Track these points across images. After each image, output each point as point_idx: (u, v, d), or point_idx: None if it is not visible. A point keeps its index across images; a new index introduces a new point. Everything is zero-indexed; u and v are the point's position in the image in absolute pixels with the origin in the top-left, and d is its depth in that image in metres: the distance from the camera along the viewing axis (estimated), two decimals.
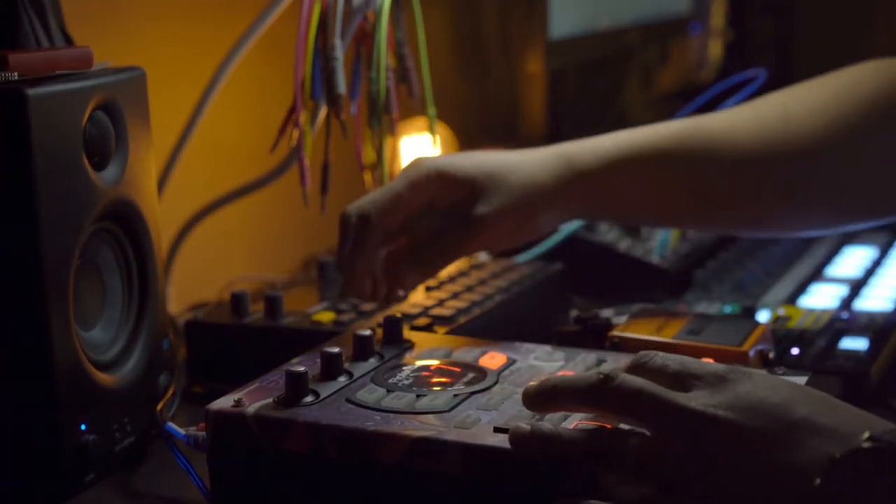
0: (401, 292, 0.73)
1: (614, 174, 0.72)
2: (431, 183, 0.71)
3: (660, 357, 0.53)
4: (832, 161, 0.71)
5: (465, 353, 0.65)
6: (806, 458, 0.47)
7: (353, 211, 0.71)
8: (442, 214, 0.73)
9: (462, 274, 0.87)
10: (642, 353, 0.53)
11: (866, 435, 0.46)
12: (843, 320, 0.80)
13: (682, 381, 0.51)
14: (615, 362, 0.64)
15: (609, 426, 0.53)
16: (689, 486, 0.49)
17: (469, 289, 0.82)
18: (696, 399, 0.49)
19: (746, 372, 0.51)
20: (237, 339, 0.78)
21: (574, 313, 0.73)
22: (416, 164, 0.72)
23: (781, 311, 0.82)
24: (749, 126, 0.73)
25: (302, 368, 0.59)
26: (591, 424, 0.55)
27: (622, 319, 0.73)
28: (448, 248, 0.72)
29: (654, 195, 0.74)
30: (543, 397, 0.54)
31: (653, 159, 0.73)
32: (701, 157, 0.72)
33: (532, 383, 0.55)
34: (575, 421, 0.56)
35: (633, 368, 0.53)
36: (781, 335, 0.77)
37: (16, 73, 0.59)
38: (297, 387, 0.59)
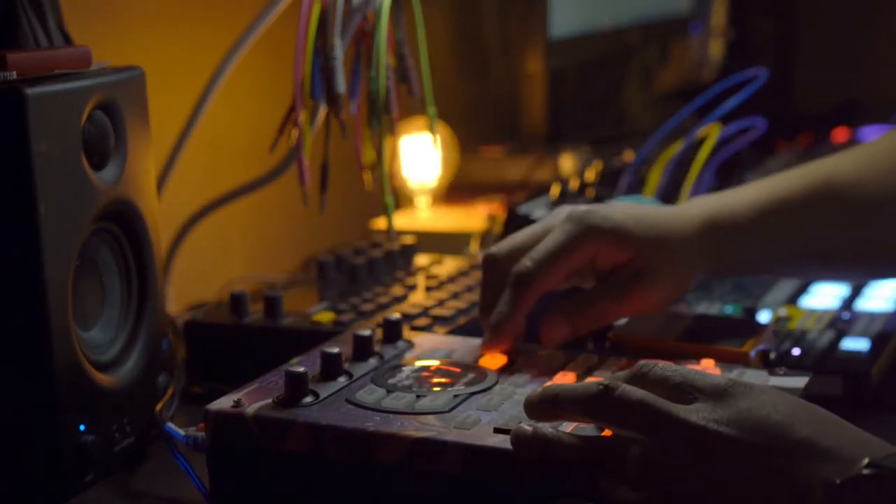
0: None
1: (761, 240, 0.71)
2: (599, 244, 0.68)
3: (660, 367, 0.53)
4: None
5: (465, 354, 0.65)
6: (806, 480, 0.47)
7: (516, 269, 0.66)
8: (598, 272, 0.70)
9: (462, 274, 0.87)
10: (643, 362, 0.53)
11: (867, 461, 0.46)
12: (845, 321, 0.80)
13: (684, 393, 0.51)
14: (609, 370, 0.64)
15: (609, 432, 0.53)
16: (687, 497, 0.49)
17: (469, 289, 0.82)
18: (697, 413, 0.50)
19: (749, 386, 0.51)
20: (237, 340, 0.78)
21: None
22: (581, 219, 0.68)
23: (782, 312, 0.82)
24: (870, 173, 0.72)
25: (301, 369, 0.59)
26: (590, 426, 0.55)
27: (623, 320, 0.73)
28: (601, 312, 0.69)
29: (796, 252, 0.72)
30: (545, 406, 0.53)
31: (794, 218, 0.71)
32: (838, 208, 0.72)
33: (534, 391, 0.55)
34: (574, 422, 0.56)
35: (634, 378, 0.53)
36: (782, 335, 0.77)
37: (15, 73, 0.58)
38: (296, 387, 0.59)
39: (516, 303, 0.66)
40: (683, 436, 0.49)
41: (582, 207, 0.69)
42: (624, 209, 0.70)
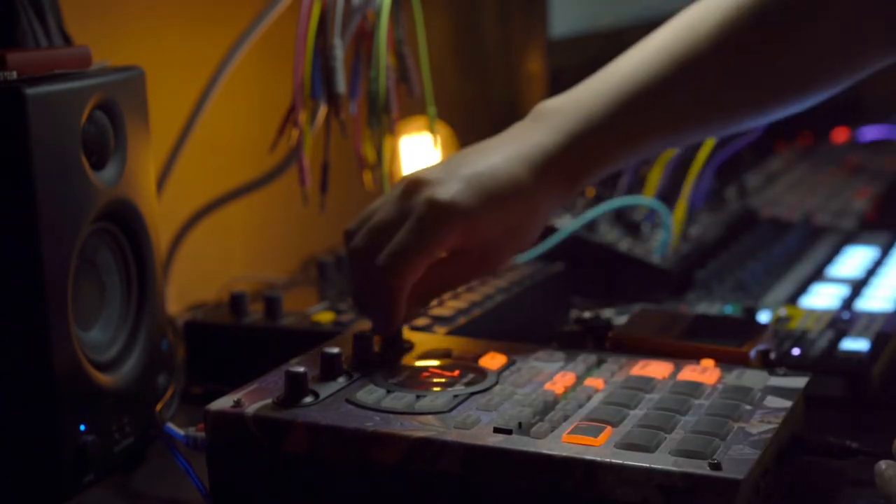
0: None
1: (626, 120, 0.70)
2: (456, 237, 0.66)
3: None
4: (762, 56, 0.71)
5: (465, 354, 0.65)
6: None
7: (383, 270, 0.65)
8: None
9: None
10: None
11: None
12: (845, 321, 0.80)
13: None
14: (609, 370, 0.64)
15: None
16: None
17: (469, 289, 0.82)
18: None
19: None
20: (236, 340, 0.78)
21: (574, 313, 0.73)
22: (430, 211, 0.65)
23: (782, 312, 0.82)
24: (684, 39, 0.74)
25: (301, 369, 0.59)
26: (592, 425, 0.55)
27: (623, 320, 0.73)
28: (453, 283, 0.71)
29: (640, 134, 0.72)
30: None
31: (672, 68, 0.71)
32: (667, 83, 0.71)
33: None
34: (574, 421, 0.56)
35: None
36: (783, 335, 0.77)
37: (14, 73, 0.58)
38: (296, 387, 0.59)
39: (389, 298, 0.65)
40: None
41: (441, 195, 0.65)
42: (476, 184, 0.67)
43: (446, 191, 0.66)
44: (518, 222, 0.68)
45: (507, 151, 0.69)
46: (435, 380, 0.62)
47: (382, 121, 0.83)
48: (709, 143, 0.98)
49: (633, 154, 0.72)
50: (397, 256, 0.65)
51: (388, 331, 0.66)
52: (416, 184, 0.67)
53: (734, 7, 0.71)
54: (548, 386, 0.60)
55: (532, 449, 0.53)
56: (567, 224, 0.92)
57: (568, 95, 0.72)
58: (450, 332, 0.74)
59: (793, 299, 0.87)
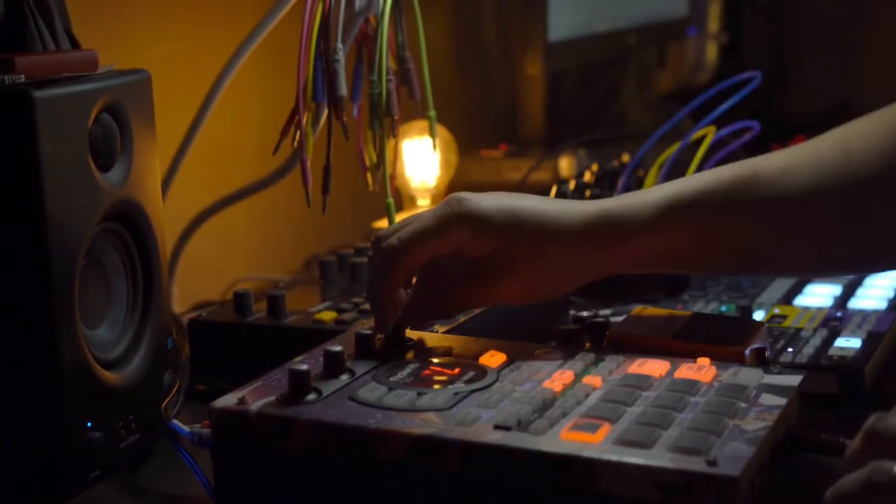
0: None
1: (662, 234, 0.66)
2: (464, 232, 0.67)
3: None
4: (888, 194, 0.66)
5: (465, 352, 0.66)
6: None
7: (383, 244, 0.67)
8: (466, 260, 0.69)
9: None
10: None
11: None
12: (838, 319, 0.81)
13: None
14: (607, 368, 0.64)
15: None
16: None
17: None
18: None
19: None
20: (240, 338, 0.78)
21: (573, 312, 0.73)
22: (453, 206, 0.67)
23: (777, 311, 0.83)
24: (808, 163, 0.67)
25: (304, 367, 0.60)
26: (590, 422, 0.55)
27: (620, 319, 0.74)
28: (462, 303, 0.70)
29: (703, 247, 0.68)
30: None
31: (702, 209, 0.66)
32: (757, 199, 0.66)
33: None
34: (573, 419, 0.57)
35: None
36: (777, 334, 0.78)
37: (22, 76, 0.59)
38: (299, 385, 0.59)
39: (385, 279, 0.67)
40: None
41: (464, 193, 0.68)
42: (507, 201, 0.68)
43: (470, 195, 0.68)
44: (537, 255, 0.67)
45: (562, 202, 0.69)
46: (436, 377, 0.62)
47: (384, 123, 0.84)
48: (705, 144, 0.99)
49: (678, 255, 0.69)
50: (401, 238, 0.67)
51: (382, 323, 0.67)
52: (455, 198, 0.69)
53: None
54: (547, 384, 0.61)
55: (531, 446, 0.54)
56: None
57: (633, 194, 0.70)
58: (450, 331, 0.74)
59: (787, 298, 0.88)
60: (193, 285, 0.99)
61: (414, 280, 0.70)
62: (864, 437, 0.50)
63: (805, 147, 0.69)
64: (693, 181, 0.68)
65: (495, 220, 0.67)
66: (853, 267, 0.72)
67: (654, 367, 0.63)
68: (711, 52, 2.01)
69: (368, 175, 0.87)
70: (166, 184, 0.89)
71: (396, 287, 0.67)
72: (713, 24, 2.00)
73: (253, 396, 0.59)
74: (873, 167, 0.66)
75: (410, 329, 0.69)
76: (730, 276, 0.89)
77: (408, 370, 0.63)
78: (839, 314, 0.82)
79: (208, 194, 0.97)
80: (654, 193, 0.68)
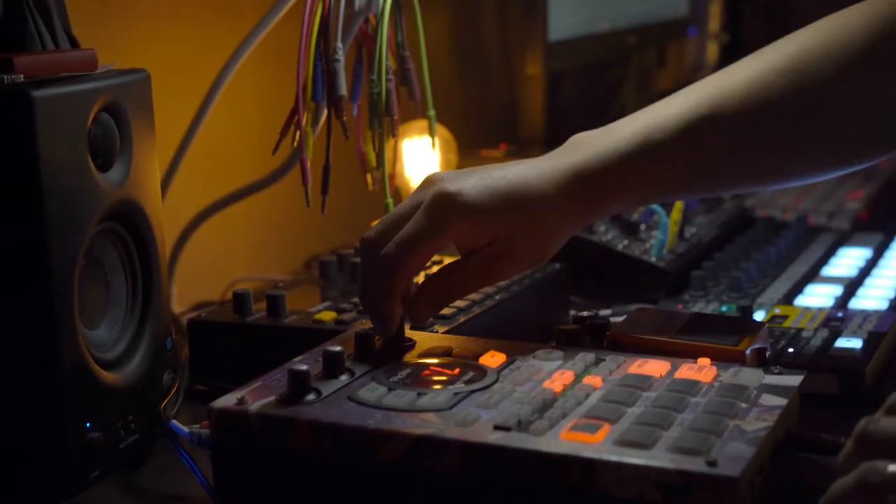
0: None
1: (635, 173, 0.69)
2: (462, 229, 0.67)
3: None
4: (837, 105, 0.70)
5: (465, 352, 0.66)
6: None
7: (382, 255, 0.66)
8: (462, 249, 0.69)
9: None
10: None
11: None
12: (839, 319, 0.80)
13: None
14: (607, 368, 0.64)
15: None
16: None
17: None
18: None
19: None
20: (240, 338, 0.78)
21: (573, 313, 0.73)
22: (441, 201, 0.67)
23: (777, 311, 0.83)
24: (760, 101, 0.71)
25: (304, 367, 0.60)
26: (590, 422, 0.55)
27: (620, 319, 0.74)
28: (466, 288, 0.70)
29: (686, 174, 0.71)
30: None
31: (683, 137, 0.70)
32: (725, 141, 0.70)
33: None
34: (573, 419, 0.57)
35: (891, 411, 0.50)
36: (777, 334, 0.78)
37: (21, 76, 0.59)
38: (299, 385, 0.59)
39: (387, 289, 0.66)
40: None
41: (449, 187, 0.67)
42: (491, 185, 0.68)
43: (454, 184, 0.67)
44: (533, 230, 0.68)
45: (533, 164, 0.70)
46: (435, 378, 0.62)
47: (383, 123, 0.84)
48: None
49: (655, 194, 0.73)
50: (399, 245, 0.66)
51: (387, 330, 0.67)
52: (430, 180, 0.68)
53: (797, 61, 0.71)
54: (547, 384, 0.61)
55: (531, 446, 0.54)
56: None
57: (602, 128, 0.72)
58: (450, 331, 0.75)
59: (788, 299, 0.88)
60: (193, 285, 0.99)
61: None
62: (855, 441, 0.50)
63: (756, 76, 0.71)
64: (655, 133, 0.70)
65: (491, 208, 0.67)
66: (803, 174, 0.75)
67: (655, 368, 0.63)
68: (712, 51, 2.01)
69: (368, 175, 0.87)
70: (166, 183, 0.89)
71: (399, 296, 0.67)
72: (713, 24, 2.00)
73: (252, 397, 0.59)
74: (821, 86, 0.70)
75: (414, 327, 0.69)
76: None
77: (407, 370, 0.63)
78: (840, 314, 0.82)
79: (208, 194, 0.97)
80: (625, 140, 0.70)
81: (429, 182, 0.68)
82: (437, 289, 0.69)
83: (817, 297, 0.88)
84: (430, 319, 0.74)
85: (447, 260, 0.75)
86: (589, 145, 0.71)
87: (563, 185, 0.69)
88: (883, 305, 0.85)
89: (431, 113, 0.90)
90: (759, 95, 0.70)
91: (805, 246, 1.05)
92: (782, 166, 0.72)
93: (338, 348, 0.62)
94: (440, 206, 0.66)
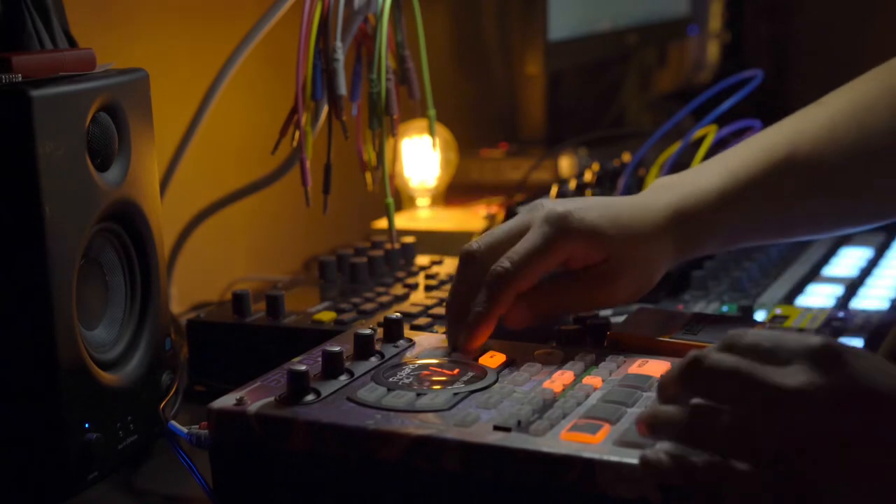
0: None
1: (725, 222, 0.73)
2: (575, 246, 0.68)
3: (751, 334, 0.52)
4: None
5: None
6: None
7: (495, 269, 0.67)
8: (570, 268, 0.70)
9: None
10: (733, 331, 0.53)
11: None
12: (840, 319, 0.80)
13: (776, 356, 0.50)
14: (607, 369, 0.64)
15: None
16: (787, 464, 0.48)
17: None
18: (792, 376, 0.48)
19: (847, 350, 0.49)
20: (239, 339, 0.78)
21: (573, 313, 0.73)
22: (557, 222, 0.68)
23: (778, 311, 0.83)
24: (828, 141, 0.75)
25: (303, 367, 0.60)
26: (590, 423, 0.55)
27: (620, 319, 0.74)
28: (568, 305, 0.71)
29: (766, 221, 0.75)
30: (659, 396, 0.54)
31: (759, 195, 0.73)
32: (794, 184, 0.74)
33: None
34: (573, 419, 0.56)
35: (725, 348, 0.52)
36: None
37: (19, 75, 0.59)
38: (298, 385, 0.59)
39: (493, 302, 0.66)
40: (777, 399, 0.48)
41: (559, 208, 0.69)
42: (599, 208, 0.70)
43: (564, 206, 0.69)
44: (640, 257, 0.70)
45: (630, 199, 0.73)
46: (435, 378, 0.62)
47: (383, 122, 0.84)
48: (706, 143, 0.99)
49: (747, 231, 0.75)
50: (513, 260, 0.67)
51: (469, 345, 0.66)
52: (537, 204, 0.70)
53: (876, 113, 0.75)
54: (547, 384, 0.61)
55: (531, 447, 0.53)
56: None
57: (685, 172, 0.76)
58: None
59: (789, 299, 0.88)
60: (192, 285, 0.99)
61: None
62: (681, 368, 0.52)
63: (822, 122, 0.75)
64: (741, 170, 0.74)
65: (605, 228, 0.69)
66: (876, 221, 0.80)
67: (655, 368, 0.63)
68: (712, 50, 2.01)
69: (368, 174, 0.86)
70: (164, 183, 0.89)
71: (503, 310, 0.67)
72: (714, 23, 2.00)
73: (251, 397, 0.59)
74: (886, 139, 0.74)
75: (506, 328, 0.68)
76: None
77: (407, 371, 0.63)
78: (841, 314, 0.81)
79: (207, 194, 0.97)
80: (716, 176, 0.73)
81: (536, 206, 0.70)
82: (540, 295, 0.69)
83: (818, 297, 0.88)
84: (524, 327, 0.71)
85: None
86: (680, 185, 0.74)
87: (664, 219, 0.71)
88: (884, 305, 0.85)
89: (431, 112, 0.89)
90: (826, 140, 0.74)
91: (806, 246, 1.05)
92: (854, 211, 0.76)
93: (337, 349, 0.62)
94: (554, 223, 0.68)
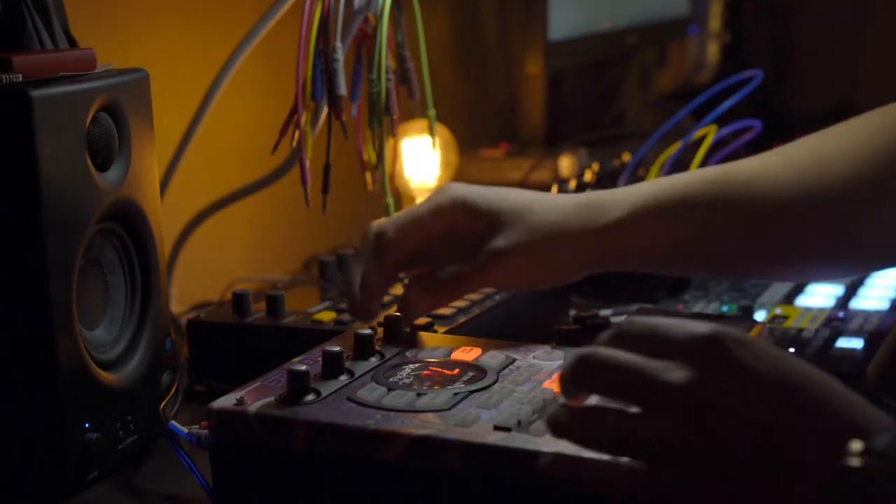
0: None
1: (640, 225, 0.69)
2: (455, 211, 0.70)
3: (638, 324, 0.51)
4: (865, 206, 0.68)
5: (464, 352, 0.66)
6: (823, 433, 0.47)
7: (373, 229, 0.70)
8: (462, 246, 0.71)
9: None
10: (625, 320, 0.53)
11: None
12: (840, 319, 0.80)
13: (662, 349, 0.50)
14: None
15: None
16: (673, 458, 0.48)
17: None
18: (675, 371, 0.48)
19: (733, 339, 0.49)
20: (239, 339, 0.78)
21: (573, 313, 0.73)
22: (444, 189, 0.71)
23: (778, 311, 0.83)
24: (781, 169, 0.69)
25: (303, 367, 0.60)
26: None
27: (620, 319, 0.74)
28: (459, 280, 0.70)
29: (682, 245, 0.70)
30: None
31: (681, 208, 0.69)
32: (733, 203, 0.69)
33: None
34: None
35: (615, 339, 0.52)
36: (778, 334, 0.78)
37: (20, 75, 0.59)
38: (298, 385, 0.59)
39: (375, 260, 0.69)
40: (659, 396, 0.48)
41: (461, 186, 0.71)
42: (502, 189, 0.71)
43: (468, 187, 0.70)
44: (535, 241, 0.69)
45: (548, 197, 0.72)
46: (435, 378, 0.62)
47: (383, 122, 0.84)
48: (706, 143, 0.99)
49: (660, 257, 0.71)
50: (392, 223, 0.69)
51: (367, 315, 0.68)
52: (444, 185, 0.72)
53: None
54: (547, 384, 0.61)
55: (531, 447, 0.53)
56: None
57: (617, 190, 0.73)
58: (450, 331, 0.74)
59: (789, 299, 0.88)
60: (192, 285, 0.99)
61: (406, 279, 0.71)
62: (572, 364, 0.51)
63: (778, 153, 0.71)
64: (669, 183, 0.70)
65: (487, 195, 0.70)
66: (823, 272, 0.74)
67: None
68: (713, 50, 2.01)
69: (367, 174, 0.86)
70: (165, 183, 0.89)
71: (388, 271, 0.69)
72: (714, 23, 2.00)
73: (252, 397, 0.59)
74: (844, 175, 0.67)
75: (410, 320, 0.70)
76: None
77: (407, 371, 0.63)
78: (841, 314, 0.81)
79: (207, 194, 0.97)
80: (636, 189, 0.71)
81: (444, 188, 0.71)
82: (436, 280, 0.70)
83: (818, 297, 0.88)
84: (426, 318, 0.75)
85: None
86: (601, 194, 0.72)
87: (570, 212, 0.70)
88: (884, 305, 0.85)
89: (431, 112, 0.89)
90: (784, 181, 0.68)
91: None
92: (790, 259, 0.70)
93: (337, 349, 0.62)
94: (443, 190, 0.70)
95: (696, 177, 0.71)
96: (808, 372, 0.49)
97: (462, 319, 0.77)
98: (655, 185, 0.71)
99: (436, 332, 0.74)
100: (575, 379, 0.51)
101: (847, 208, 0.68)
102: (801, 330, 0.79)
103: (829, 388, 0.49)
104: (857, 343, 0.76)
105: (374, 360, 0.64)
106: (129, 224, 0.65)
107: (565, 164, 1.39)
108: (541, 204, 0.70)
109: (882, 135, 0.68)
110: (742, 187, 0.69)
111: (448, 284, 0.70)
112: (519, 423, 0.55)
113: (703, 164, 0.98)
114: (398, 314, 0.69)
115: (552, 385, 0.61)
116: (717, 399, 0.48)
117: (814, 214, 0.68)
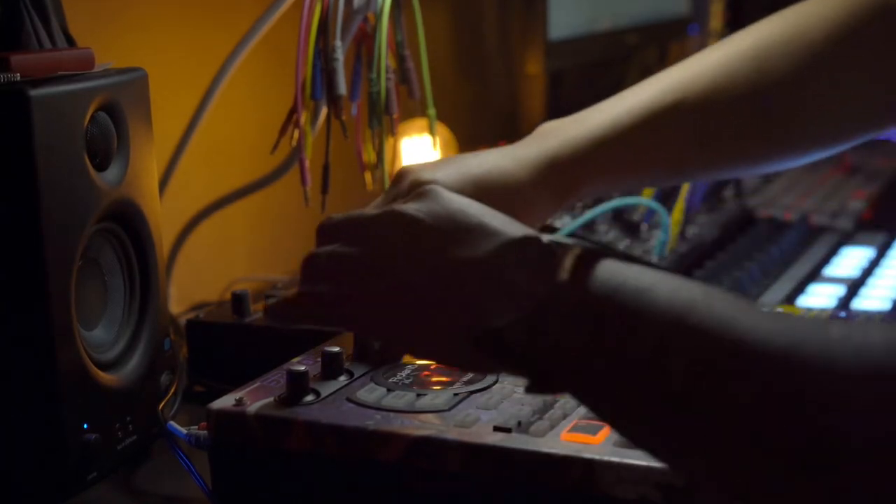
0: None
1: (602, 167, 0.71)
2: None
3: (336, 218, 0.58)
4: (806, 92, 0.71)
5: None
6: (481, 253, 0.52)
7: (322, 224, 0.66)
8: None
9: None
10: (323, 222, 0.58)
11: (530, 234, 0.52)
12: (841, 320, 0.80)
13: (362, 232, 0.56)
14: None
15: None
16: (362, 285, 0.53)
17: None
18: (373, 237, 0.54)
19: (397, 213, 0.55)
20: (238, 339, 0.78)
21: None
22: (401, 178, 0.68)
23: (779, 311, 0.83)
24: (727, 85, 0.72)
25: (303, 368, 0.60)
26: (591, 423, 0.55)
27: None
28: None
29: (652, 170, 0.73)
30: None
31: (650, 125, 0.70)
32: (692, 124, 0.71)
33: None
34: (573, 420, 0.56)
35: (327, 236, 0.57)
36: None
37: (18, 75, 0.59)
38: (297, 386, 0.59)
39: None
40: (354, 231, 0.56)
41: (425, 175, 0.66)
42: (465, 169, 0.68)
43: (431, 173, 0.66)
44: (507, 213, 0.69)
45: (506, 151, 0.71)
46: (435, 378, 0.62)
47: (383, 122, 0.84)
48: None
49: (627, 179, 0.73)
50: (341, 214, 0.64)
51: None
52: (404, 172, 0.67)
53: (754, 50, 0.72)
54: None
55: (531, 447, 0.53)
56: (566, 224, 0.93)
57: (572, 116, 0.73)
58: None
59: (790, 299, 0.88)
60: (191, 286, 0.99)
61: None
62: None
63: (720, 66, 0.73)
64: (625, 118, 0.71)
65: (461, 190, 0.65)
66: (776, 162, 0.76)
67: None
68: None
69: (367, 174, 0.86)
70: (163, 183, 0.89)
71: None
72: (715, 22, 2.00)
73: (251, 397, 0.59)
74: (787, 72, 0.71)
75: None
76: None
77: (407, 371, 0.63)
78: (843, 315, 0.81)
79: (206, 194, 0.97)
80: (596, 127, 0.71)
81: (402, 174, 0.66)
82: None
83: (820, 297, 0.88)
84: None
85: None
86: (560, 132, 0.71)
87: (537, 171, 0.69)
88: (886, 305, 0.85)
89: (432, 112, 0.89)
90: (722, 83, 0.71)
91: (807, 246, 1.05)
92: (747, 153, 0.73)
93: (337, 349, 0.62)
94: (397, 184, 0.66)
95: (649, 101, 0.71)
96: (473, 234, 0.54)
97: None
98: (615, 110, 0.71)
99: None
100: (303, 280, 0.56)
101: (786, 98, 0.71)
102: None
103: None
104: None
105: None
106: (127, 224, 0.65)
107: None
108: (499, 175, 0.69)
109: (813, 29, 0.72)
110: (692, 111, 0.71)
111: None
112: (519, 423, 0.55)
113: None
114: None
115: None
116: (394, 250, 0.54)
117: (753, 114, 0.71)
